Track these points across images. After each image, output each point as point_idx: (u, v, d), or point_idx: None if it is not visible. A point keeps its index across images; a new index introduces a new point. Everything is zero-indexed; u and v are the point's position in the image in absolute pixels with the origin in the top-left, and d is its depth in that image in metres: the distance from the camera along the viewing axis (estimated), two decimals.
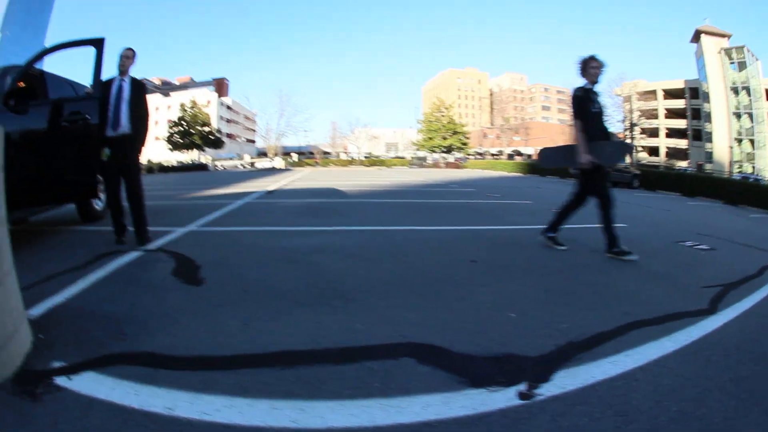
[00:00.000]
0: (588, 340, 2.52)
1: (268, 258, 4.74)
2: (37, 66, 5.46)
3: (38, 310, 3.01)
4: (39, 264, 4.30)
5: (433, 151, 72.54)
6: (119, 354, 2.38)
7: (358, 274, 4.05)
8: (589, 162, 4.86)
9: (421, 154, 75.39)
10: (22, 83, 4.98)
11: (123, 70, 5.26)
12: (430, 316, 2.94)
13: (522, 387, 2.00)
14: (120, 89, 5.17)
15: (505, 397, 1.92)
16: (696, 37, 67.78)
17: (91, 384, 2.07)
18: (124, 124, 5.13)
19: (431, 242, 5.72)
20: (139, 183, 5.32)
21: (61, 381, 2.10)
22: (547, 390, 1.98)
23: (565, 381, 2.05)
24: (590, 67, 5.03)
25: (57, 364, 2.26)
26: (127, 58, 5.26)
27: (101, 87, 5.30)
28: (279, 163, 61.70)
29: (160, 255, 4.76)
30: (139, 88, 5.33)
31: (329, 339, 2.56)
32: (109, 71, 5.38)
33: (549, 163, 6.63)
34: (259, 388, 2.02)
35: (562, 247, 5.21)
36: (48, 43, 6.33)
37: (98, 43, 5.44)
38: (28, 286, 3.31)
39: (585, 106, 5.03)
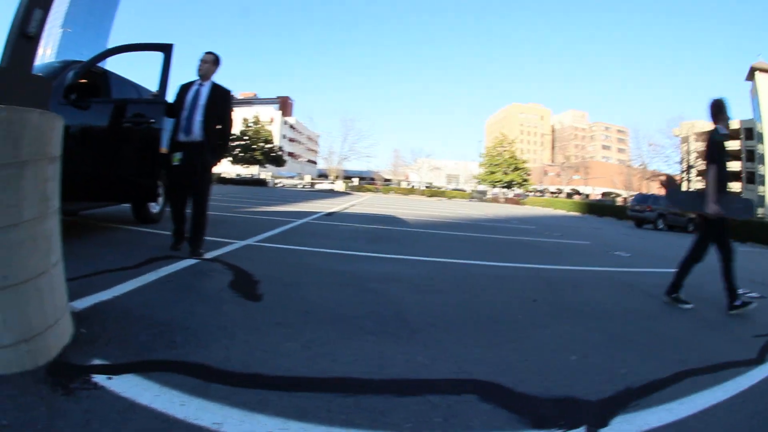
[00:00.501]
0: (644, 387, 2.60)
1: (329, 281, 4.72)
2: (101, 65, 5.63)
3: (83, 303, 3.05)
4: (89, 258, 4.45)
5: (494, 186, 74.11)
6: (168, 361, 2.35)
7: (422, 305, 4.08)
8: (717, 213, 4.69)
9: (481, 187, 76.90)
10: (84, 80, 5.14)
11: (202, 74, 5.25)
12: (493, 353, 3.00)
13: (581, 431, 2.05)
14: (197, 94, 5.17)
15: None
16: (751, 75, 64.96)
17: (133, 387, 2.03)
18: (196, 131, 5.10)
19: (493, 278, 5.77)
20: (204, 193, 5.23)
21: (99, 379, 2.07)
22: None
23: (622, 426, 2.12)
24: (725, 112, 4.91)
25: (97, 362, 2.25)
26: (205, 62, 5.27)
27: (179, 90, 5.32)
28: (339, 186, 63.21)
29: (216, 265, 4.80)
30: (221, 96, 5.29)
31: (392, 369, 2.56)
32: (177, 78, 5.51)
33: (675, 202, 6.41)
34: (317, 414, 1.99)
35: (688, 305, 4.91)
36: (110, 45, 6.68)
37: (166, 48, 5.54)
38: (75, 278, 3.38)
39: (723, 153, 4.90)
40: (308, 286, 4.35)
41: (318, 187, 63.34)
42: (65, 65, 5.46)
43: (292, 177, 78.94)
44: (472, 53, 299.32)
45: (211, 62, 5.30)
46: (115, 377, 2.10)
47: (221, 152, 5.39)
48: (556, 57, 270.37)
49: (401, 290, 4.53)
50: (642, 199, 26.91)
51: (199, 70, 5.26)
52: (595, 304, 4.74)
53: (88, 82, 5.30)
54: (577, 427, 2.06)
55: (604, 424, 2.11)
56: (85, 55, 6.03)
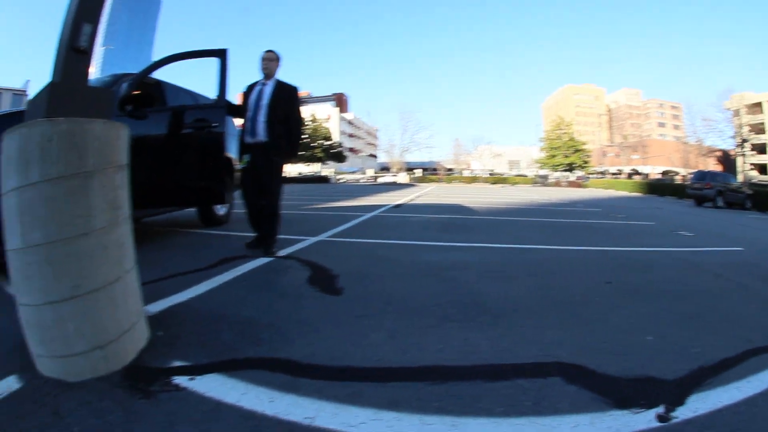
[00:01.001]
0: (716, 366, 2.66)
1: (406, 271, 4.67)
2: (153, 75, 5.71)
3: (158, 307, 3.11)
4: (158, 262, 4.57)
5: (555, 169, 73.70)
6: (253, 359, 2.36)
7: (500, 291, 4.10)
8: None
9: (542, 172, 76.40)
10: (137, 91, 5.23)
11: (265, 73, 5.26)
12: (574, 336, 3.04)
13: (660, 410, 2.10)
14: (260, 94, 5.18)
15: (646, 419, 2.02)
16: None
17: (217, 387, 2.02)
18: (261, 131, 5.09)
19: (565, 262, 5.78)
20: (274, 193, 5.21)
21: (181, 381, 2.07)
22: (682, 413, 2.09)
23: (697, 405, 2.17)
24: None
25: (177, 363, 2.26)
26: (269, 60, 5.25)
27: (245, 91, 5.39)
28: (402, 178, 63.33)
29: (291, 262, 4.82)
30: (285, 93, 5.24)
31: (479, 355, 2.62)
32: (237, 82, 5.52)
33: None
34: (410, 403, 2.03)
35: None
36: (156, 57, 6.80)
37: (222, 54, 5.56)
38: (147, 282, 3.42)
39: None
40: (386, 278, 4.32)
41: (381, 180, 63.79)
42: (116, 79, 5.60)
43: (354, 172, 79.76)
44: (524, 37, 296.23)
45: (272, 60, 5.28)
46: (197, 378, 2.10)
47: (290, 151, 5.33)
48: (605, 35, 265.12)
49: (477, 277, 4.53)
50: (701, 176, 26.30)
51: (263, 69, 5.25)
52: (665, 284, 4.75)
53: (142, 93, 5.38)
54: (656, 405, 2.13)
55: (681, 403, 2.17)
56: (129, 71, 6.09)
